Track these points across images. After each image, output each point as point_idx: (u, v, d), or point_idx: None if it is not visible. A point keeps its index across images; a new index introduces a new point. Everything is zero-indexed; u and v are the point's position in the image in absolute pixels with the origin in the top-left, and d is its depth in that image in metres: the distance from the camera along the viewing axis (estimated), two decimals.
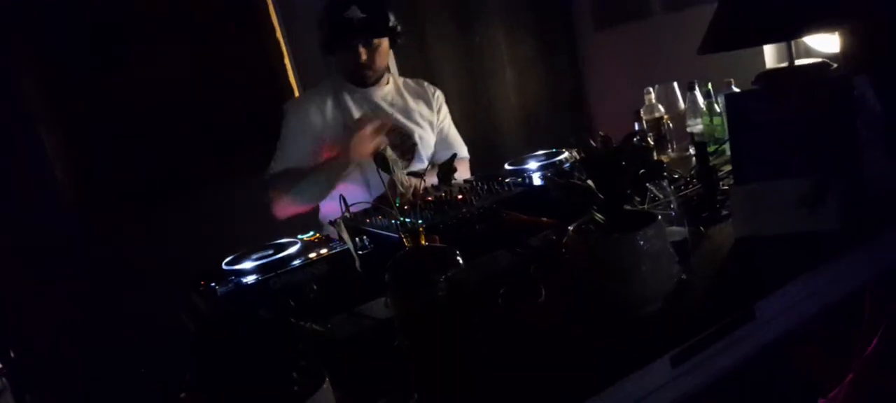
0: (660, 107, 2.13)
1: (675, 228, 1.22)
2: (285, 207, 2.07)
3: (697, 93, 2.15)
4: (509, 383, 1.01)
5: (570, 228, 1.15)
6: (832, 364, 1.42)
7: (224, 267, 1.52)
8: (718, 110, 2.03)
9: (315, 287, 0.87)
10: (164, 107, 2.82)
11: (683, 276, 1.14)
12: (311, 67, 2.83)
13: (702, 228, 1.40)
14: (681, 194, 1.62)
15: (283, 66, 2.80)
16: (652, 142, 2.03)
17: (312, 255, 1.42)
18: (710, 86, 2.09)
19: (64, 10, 2.73)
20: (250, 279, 1.41)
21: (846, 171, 1.21)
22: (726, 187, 1.53)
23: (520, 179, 1.66)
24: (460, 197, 1.57)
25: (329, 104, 2.14)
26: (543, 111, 3.23)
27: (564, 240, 1.23)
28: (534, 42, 3.18)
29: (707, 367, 1.04)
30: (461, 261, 1.00)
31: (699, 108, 2.12)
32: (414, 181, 1.73)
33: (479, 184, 1.67)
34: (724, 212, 1.45)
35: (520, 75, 3.18)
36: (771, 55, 2.42)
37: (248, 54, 2.80)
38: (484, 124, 3.13)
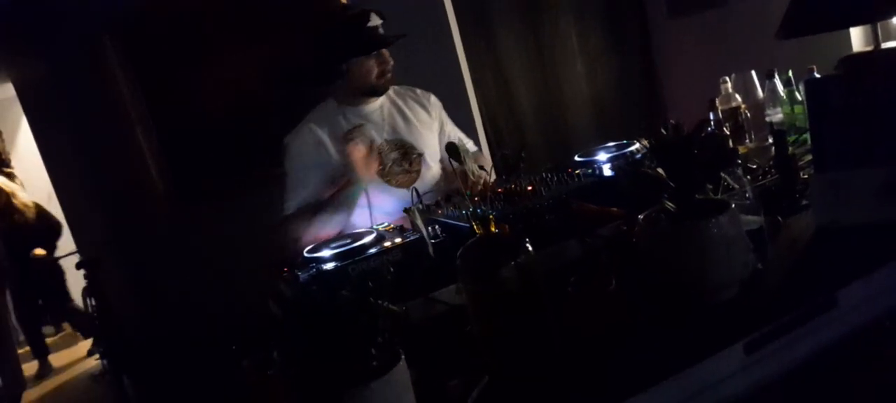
0: (737, 96, 2.07)
1: (750, 217, 1.20)
2: (312, 236, 1.95)
3: (777, 81, 2.08)
4: (578, 368, 1.03)
5: (641, 217, 1.16)
6: None
7: (306, 255, 1.61)
8: (799, 98, 1.95)
9: (392, 269, 0.92)
10: (248, 108, 2.97)
11: (759, 265, 1.13)
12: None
13: (780, 218, 1.37)
14: (758, 184, 1.58)
15: None
16: (728, 132, 1.98)
17: (387, 244, 1.49)
18: (790, 73, 2.01)
19: (155, 19, 2.92)
20: (330, 265, 1.49)
21: None
22: (806, 177, 1.48)
23: (589, 170, 1.66)
24: (530, 188, 1.59)
25: (335, 123, 2.08)
26: (615, 102, 3.19)
27: (635, 229, 1.24)
28: (604, 32, 3.15)
29: (783, 356, 1.02)
30: (530, 249, 1.03)
31: (779, 97, 2.05)
32: (483, 174, 1.76)
33: (549, 175, 1.69)
34: (804, 202, 1.41)
35: (590, 66, 3.16)
36: (858, 39, 2.30)
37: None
38: (555, 116, 3.13)
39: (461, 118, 2.94)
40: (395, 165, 2.11)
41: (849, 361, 1.09)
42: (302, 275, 1.47)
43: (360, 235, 1.60)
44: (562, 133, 3.13)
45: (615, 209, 1.47)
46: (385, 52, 2.04)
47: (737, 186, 1.30)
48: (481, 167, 1.77)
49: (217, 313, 2.91)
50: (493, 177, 1.84)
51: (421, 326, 1.29)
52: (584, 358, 1.05)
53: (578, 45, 3.11)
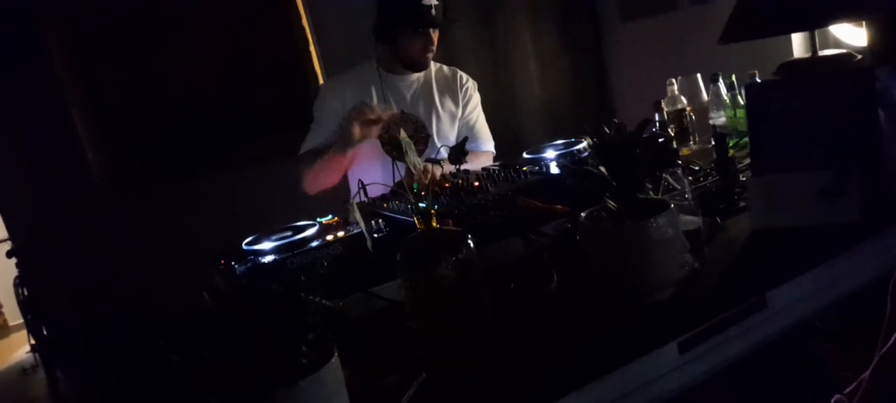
0: (682, 98, 2.11)
1: (689, 218, 1.21)
2: (312, 184, 2.14)
3: (721, 85, 2.12)
4: (516, 363, 1.03)
5: (583, 215, 1.16)
6: (850, 359, 1.40)
7: (244, 247, 1.56)
8: (742, 103, 2.00)
9: (325, 264, 0.89)
10: (192, 95, 2.88)
11: (696, 265, 1.14)
12: (336, 56, 2.86)
13: (718, 219, 1.39)
14: (699, 185, 1.61)
15: (308, 53, 2.83)
16: (673, 134, 2.01)
17: (329, 237, 1.45)
18: (733, 78, 2.06)
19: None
20: (268, 258, 1.44)
21: (866, 164, 1.19)
22: (745, 179, 1.51)
23: (536, 167, 1.66)
24: (476, 183, 1.58)
25: (372, 88, 2.19)
26: (567, 103, 3.22)
27: (579, 227, 1.24)
28: (557, 34, 3.17)
29: (716, 355, 1.04)
30: (472, 245, 1.01)
31: (722, 100, 2.10)
32: (430, 166, 1.74)
33: (496, 171, 1.68)
34: (742, 204, 1.44)
35: (543, 67, 3.18)
36: (799, 47, 2.37)
37: (274, 43, 2.84)
38: (507, 116, 3.13)
39: None
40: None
41: (777, 360, 1.11)
42: (238, 268, 1.43)
43: (302, 228, 1.56)
44: (514, 132, 3.14)
45: (560, 206, 1.47)
46: (432, 32, 2.09)
47: (678, 187, 1.32)
48: (436, 161, 1.76)
49: (156, 305, 2.82)
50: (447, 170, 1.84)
51: (359, 322, 1.27)
52: (523, 355, 1.04)
53: (532, 46, 3.13)
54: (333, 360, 0.88)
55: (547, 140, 1.93)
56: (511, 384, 0.98)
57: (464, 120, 2.32)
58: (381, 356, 1.15)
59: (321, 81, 2.81)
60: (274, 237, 1.54)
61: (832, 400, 1.18)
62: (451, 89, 2.30)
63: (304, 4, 2.82)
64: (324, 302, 0.85)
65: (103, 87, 2.91)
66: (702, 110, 2.15)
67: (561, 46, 3.18)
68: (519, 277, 1.26)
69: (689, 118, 2.10)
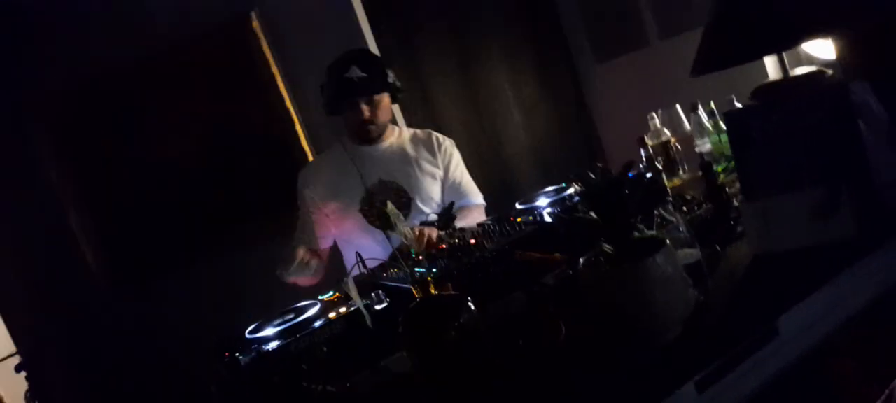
0: (665, 131, 2.13)
1: (687, 251, 1.21)
2: (293, 281, 2.12)
3: (701, 112, 2.14)
4: None
5: (581, 262, 1.15)
6: (869, 373, 1.38)
7: (247, 335, 1.54)
8: (725, 127, 2.01)
9: (325, 349, 0.87)
10: (184, 182, 2.89)
11: (701, 298, 1.13)
12: (322, 132, 2.89)
13: (718, 247, 1.39)
14: (695, 214, 1.60)
15: (295, 132, 2.86)
16: (661, 167, 2.02)
17: (332, 315, 1.44)
18: (712, 104, 2.09)
19: (80, 92, 2.84)
20: (272, 345, 1.42)
21: (855, 177, 1.19)
22: (738, 204, 1.51)
23: (531, 217, 1.66)
24: (473, 241, 1.58)
25: (343, 162, 2.21)
26: (554, 147, 3.24)
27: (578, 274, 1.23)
28: (537, 82, 3.22)
29: (735, 390, 1.02)
30: (472, 307, 1.00)
31: (705, 128, 2.12)
32: (425, 230, 1.74)
33: (491, 225, 1.68)
34: (740, 229, 1.44)
35: (527, 115, 3.21)
36: (773, 66, 2.41)
37: (261, 125, 2.88)
38: (497, 167, 3.15)
39: None
40: (384, 207, 2.11)
41: (799, 385, 1.09)
42: (243, 359, 1.40)
43: (303, 309, 1.54)
44: (506, 183, 3.14)
45: (558, 255, 1.46)
46: (362, 104, 2.11)
47: (672, 220, 1.31)
48: (430, 224, 1.75)
49: (168, 400, 2.78)
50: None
51: (370, 398, 1.24)
52: None
53: (513, 96, 3.17)
54: None
55: (540, 186, 1.94)
56: None
57: (449, 180, 2.31)
58: None
59: (311, 158, 2.83)
60: (276, 322, 1.52)
61: None
62: (428, 150, 2.30)
63: (284, 85, 2.86)
64: (328, 387, 0.83)
65: (95, 186, 2.93)
66: (687, 139, 2.16)
67: (541, 93, 3.23)
68: (527, 332, 1.24)
69: (674, 149, 2.12)
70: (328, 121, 2.84)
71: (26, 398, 3.94)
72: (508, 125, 3.17)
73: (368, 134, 2.19)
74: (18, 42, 2.82)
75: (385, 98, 2.17)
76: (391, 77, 2.14)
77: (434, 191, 2.27)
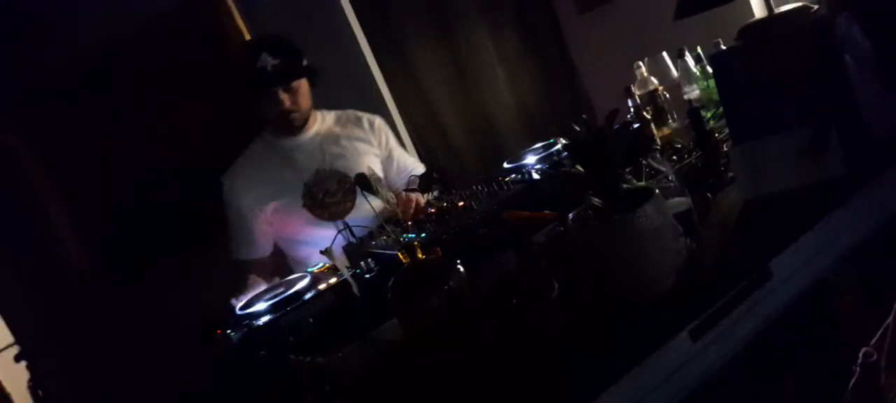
0: (652, 79, 2.09)
1: (677, 200, 1.19)
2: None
3: (688, 58, 2.11)
4: (530, 386, 0.99)
5: (570, 217, 1.13)
6: (871, 308, 1.37)
7: (238, 312, 1.52)
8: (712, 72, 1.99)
9: (311, 321, 0.85)
10: (163, 170, 2.83)
11: (693, 246, 1.11)
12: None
13: (709, 195, 1.37)
14: (685, 162, 1.58)
15: None
16: (649, 116, 2.00)
17: (321, 286, 1.42)
18: (699, 49, 2.05)
19: (59, 86, 2.77)
20: (264, 320, 1.40)
21: (843, 114, 1.17)
22: (728, 150, 1.49)
23: (518, 176, 1.63)
24: (461, 203, 1.55)
25: (271, 159, 2.08)
26: (541, 103, 3.20)
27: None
28: (519, 37, 3.16)
29: (731, 336, 1.01)
30: (461, 270, 0.98)
31: (693, 74, 2.09)
32: (413, 196, 1.71)
33: (479, 187, 1.65)
34: (730, 175, 1.42)
35: (510, 72, 3.16)
36: (759, 6, 2.37)
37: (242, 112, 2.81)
38: (483, 128, 3.11)
39: None
40: (327, 197, 2.05)
41: (796, 327, 1.09)
42: (235, 335, 1.39)
43: (293, 282, 1.52)
44: (493, 142, 3.11)
45: (548, 212, 1.45)
46: (281, 93, 1.98)
47: (661, 170, 1.29)
48: (410, 190, 1.72)
49: (163, 387, 2.77)
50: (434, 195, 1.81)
51: (364, 369, 1.23)
52: (534, 374, 1.01)
53: (495, 53, 3.11)
54: None
55: (527, 145, 1.91)
56: None
57: (392, 159, 2.22)
58: (391, 401, 1.12)
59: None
60: (267, 296, 1.50)
61: (861, 354, 1.15)
62: (360, 130, 2.20)
63: None
64: (316, 359, 0.81)
65: (75, 180, 2.87)
66: (674, 87, 2.13)
67: (524, 49, 3.17)
68: (519, 292, 1.23)
69: (662, 97, 2.09)
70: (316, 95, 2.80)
71: (29, 387, 3.95)
72: (492, 83, 3.13)
73: (292, 124, 2.06)
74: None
75: (304, 83, 2.04)
76: (306, 60, 2.03)
77: (376, 169, 2.15)
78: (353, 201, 2.08)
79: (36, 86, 2.74)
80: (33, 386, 3.71)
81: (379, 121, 2.26)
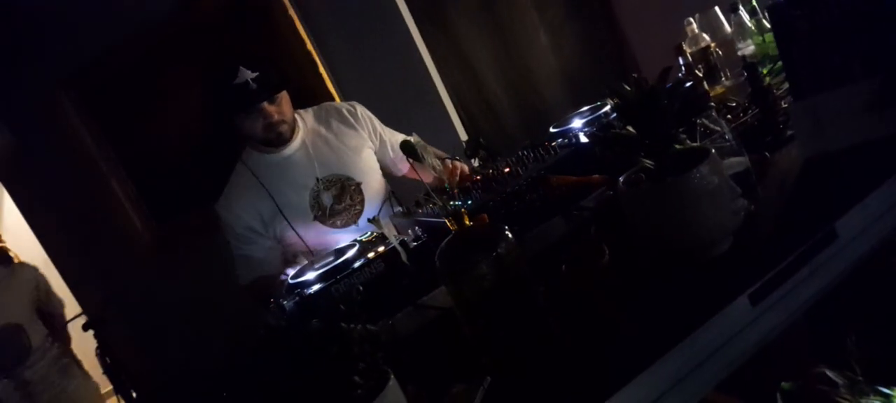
0: (704, 35, 2.01)
1: (734, 159, 1.14)
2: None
3: (742, 12, 2.02)
4: (581, 351, 0.98)
5: (621, 180, 1.10)
6: None
7: (289, 281, 1.55)
8: (768, 26, 1.89)
9: (361, 288, 0.86)
10: (223, 144, 2.90)
11: (751, 208, 1.07)
12: (346, 73, 2.85)
13: (767, 154, 1.31)
14: (740, 122, 1.52)
15: (319, 75, 2.82)
16: (701, 74, 1.92)
17: (371, 255, 1.43)
18: (754, 2, 1.96)
19: (105, 64, 2.85)
20: (314, 288, 1.43)
21: None
22: (787, 106, 1.43)
23: (565, 140, 1.60)
24: (507, 170, 1.53)
25: (264, 178, 1.96)
26: (586, 67, 3.12)
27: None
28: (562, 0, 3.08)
29: (792, 300, 0.97)
30: (510, 236, 0.97)
31: (747, 29, 2.00)
32: (458, 164, 1.70)
33: (526, 152, 1.62)
34: (789, 133, 1.36)
35: (553, 36, 3.09)
36: None
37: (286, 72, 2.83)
38: (527, 93, 3.06)
39: (435, 112, 2.88)
40: (336, 204, 1.99)
41: (861, 290, 1.04)
42: (287, 304, 1.42)
43: (343, 250, 1.54)
44: (537, 107, 3.06)
45: (597, 176, 1.41)
46: (266, 105, 1.88)
47: (717, 129, 1.24)
48: (454, 157, 1.71)
49: (221, 353, 2.88)
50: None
51: (414, 336, 1.24)
52: (586, 340, 1.00)
53: (539, 18, 3.04)
54: (390, 384, 0.86)
55: (573, 108, 1.87)
56: (579, 373, 0.94)
57: (387, 144, 2.12)
58: (441, 368, 1.12)
59: (336, 99, 2.79)
60: (317, 265, 1.53)
61: None
62: (344, 124, 2.09)
63: (304, 29, 2.81)
64: (368, 327, 0.82)
65: (131, 148, 2.97)
66: (727, 43, 2.04)
67: (568, 11, 3.09)
68: (568, 258, 1.21)
69: (715, 54, 2.00)
70: (351, 62, 2.81)
71: (97, 354, 4.14)
72: (536, 47, 3.06)
73: (281, 135, 1.94)
74: (49, 15, 2.82)
75: (284, 93, 1.94)
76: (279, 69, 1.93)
77: (372, 163, 2.08)
78: (361, 201, 2.01)
79: (97, 63, 2.83)
80: (101, 354, 3.91)
81: (360, 108, 2.14)
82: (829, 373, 1.18)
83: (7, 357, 2.55)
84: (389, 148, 2.15)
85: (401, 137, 2.17)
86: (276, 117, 1.90)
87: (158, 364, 3.25)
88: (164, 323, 3.10)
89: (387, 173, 2.15)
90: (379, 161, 2.14)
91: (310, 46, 2.80)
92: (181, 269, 3.02)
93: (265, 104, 1.87)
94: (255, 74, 1.81)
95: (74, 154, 2.98)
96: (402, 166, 2.17)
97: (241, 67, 1.81)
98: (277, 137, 1.94)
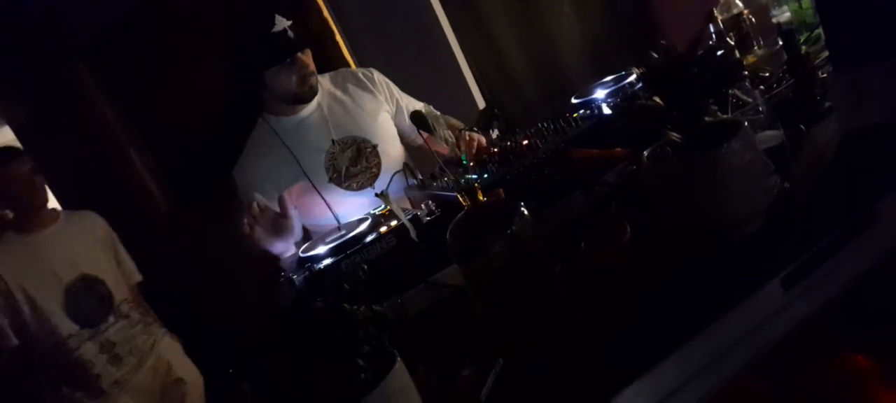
0: (737, 2, 1.91)
1: (768, 133, 1.07)
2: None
3: None
4: (599, 334, 0.93)
5: (645, 154, 1.03)
6: None
7: (300, 255, 1.52)
8: None
9: (365, 268, 0.81)
10: (232, 107, 2.87)
11: (786, 185, 1.00)
12: (362, 41, 2.78)
13: (802, 127, 1.23)
14: (773, 93, 1.44)
15: (335, 42, 2.76)
16: (733, 42, 1.83)
17: (383, 229, 1.38)
18: None
19: (123, 37, 2.82)
20: (326, 262, 1.39)
21: None
22: (825, 76, 1.34)
23: (587, 112, 1.53)
24: (525, 142, 1.47)
25: (275, 150, 1.93)
26: (611, 35, 3.01)
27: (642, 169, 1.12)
28: None
29: (827, 285, 0.90)
30: (525, 213, 0.92)
31: None
32: (475, 136, 1.64)
33: (545, 124, 1.56)
34: (827, 105, 1.27)
35: (577, 3, 2.98)
36: None
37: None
38: (549, 61, 2.96)
39: (454, 81, 2.81)
40: (351, 166, 1.96)
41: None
42: (297, 278, 1.39)
43: (354, 225, 1.50)
44: (559, 78, 2.96)
45: (619, 150, 1.35)
46: (300, 55, 1.84)
47: (749, 101, 1.17)
48: (471, 129, 1.65)
49: (239, 326, 2.88)
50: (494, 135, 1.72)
51: (425, 314, 1.20)
52: (605, 323, 0.94)
53: None
54: (396, 367, 0.82)
55: (596, 79, 1.79)
56: (596, 358, 0.89)
57: (402, 109, 2.07)
58: (452, 347, 1.08)
59: (353, 65, 2.73)
60: (328, 240, 1.49)
61: None
62: (362, 88, 2.04)
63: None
64: (373, 308, 0.78)
65: (149, 120, 2.95)
66: (761, 9, 1.94)
67: None
68: (588, 236, 1.15)
69: (747, 22, 1.90)
70: (371, 29, 2.73)
71: None
72: (558, 14, 2.96)
73: (313, 88, 1.90)
74: None
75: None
76: None
77: (389, 127, 2.04)
78: (378, 164, 1.97)
79: (117, 33, 2.79)
80: None
81: (377, 73, 2.10)
82: None
83: (87, 307, 2.29)
84: (406, 115, 2.10)
85: (420, 105, 2.11)
86: (310, 68, 1.88)
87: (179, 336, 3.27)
88: (184, 296, 3.11)
89: (406, 142, 2.11)
90: (397, 127, 2.11)
91: (326, 14, 2.73)
92: (204, 246, 3.01)
93: (301, 54, 1.85)
94: (290, 22, 1.79)
95: (91, 124, 2.97)
96: (419, 136, 2.10)
97: (277, 15, 1.78)
98: (310, 90, 1.91)
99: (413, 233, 1.03)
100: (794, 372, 1.03)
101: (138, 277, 2.40)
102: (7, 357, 2.08)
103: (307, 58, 1.87)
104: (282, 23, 1.75)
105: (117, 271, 2.53)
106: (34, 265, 2.14)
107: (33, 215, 2.18)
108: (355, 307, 0.75)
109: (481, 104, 2.84)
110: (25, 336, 2.09)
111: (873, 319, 1.09)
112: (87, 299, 2.24)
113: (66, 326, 2.14)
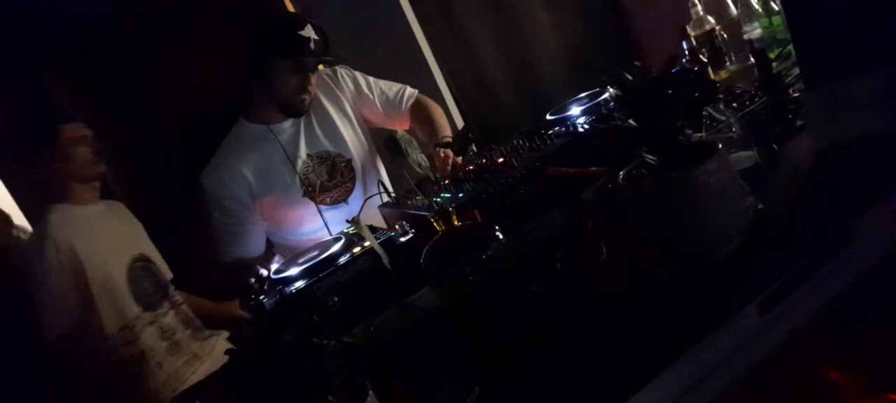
0: (709, 18, 1.92)
1: (742, 154, 1.07)
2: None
3: None
4: (577, 358, 0.91)
5: (621, 175, 1.02)
6: None
7: (272, 276, 1.48)
8: (776, 8, 1.81)
9: (335, 299, 0.79)
10: (206, 117, 2.81)
11: (760, 206, 1.00)
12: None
13: (775, 146, 1.24)
14: (747, 110, 1.44)
15: None
16: (706, 59, 1.84)
17: (357, 250, 1.35)
18: None
19: (96, 44, 2.75)
20: (297, 285, 1.35)
21: None
22: (798, 94, 1.35)
23: (562, 129, 1.52)
24: (501, 160, 1.46)
25: (257, 149, 1.92)
26: (588, 49, 3.02)
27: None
28: None
29: (805, 307, 0.90)
30: (500, 236, 0.90)
31: (754, 10, 1.91)
32: (450, 153, 1.62)
33: (521, 141, 1.55)
34: (799, 123, 1.28)
35: (555, 17, 2.99)
36: None
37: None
38: (526, 76, 2.96)
39: (426, 91, 2.78)
40: (327, 181, 1.95)
41: (879, 298, 0.96)
42: (268, 302, 1.35)
43: (327, 245, 1.47)
44: (537, 91, 2.96)
45: (595, 168, 1.34)
46: (308, 73, 1.86)
47: (722, 119, 1.16)
48: (443, 145, 1.63)
49: None
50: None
51: (400, 338, 1.17)
52: (583, 347, 0.93)
53: None
54: (368, 400, 0.79)
55: (572, 94, 1.78)
56: (574, 383, 0.87)
57: (376, 100, 2.05)
58: (429, 372, 1.05)
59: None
60: (301, 260, 1.45)
61: None
62: (330, 98, 2.03)
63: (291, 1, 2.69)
64: (344, 340, 0.75)
65: (122, 129, 2.88)
66: (733, 26, 1.95)
67: None
68: (564, 255, 1.14)
69: (720, 38, 1.92)
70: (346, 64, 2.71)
71: None
72: (535, 28, 2.96)
73: (302, 105, 1.91)
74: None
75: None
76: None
77: (362, 138, 2.03)
78: (353, 178, 1.96)
79: (83, 36, 2.72)
80: None
81: (340, 70, 2.08)
82: None
83: (146, 286, 2.04)
84: (378, 104, 2.05)
85: (394, 88, 2.09)
86: (310, 88, 1.89)
87: None
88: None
89: (386, 124, 2.08)
90: (368, 121, 2.08)
91: (290, 7, 2.69)
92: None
93: (310, 70, 1.87)
94: (317, 38, 1.82)
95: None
96: (399, 122, 2.04)
97: (309, 24, 1.82)
98: (301, 104, 1.91)
99: (386, 260, 1.00)
100: (773, 388, 1.02)
101: (170, 274, 2.17)
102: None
103: (314, 76, 1.90)
104: (310, 32, 1.80)
105: (161, 260, 2.31)
106: (97, 237, 1.86)
107: (88, 188, 1.95)
108: (325, 342, 0.72)
109: (456, 114, 2.81)
110: (86, 313, 1.81)
111: (850, 333, 1.09)
112: (147, 279, 2.01)
113: (130, 307, 1.86)
